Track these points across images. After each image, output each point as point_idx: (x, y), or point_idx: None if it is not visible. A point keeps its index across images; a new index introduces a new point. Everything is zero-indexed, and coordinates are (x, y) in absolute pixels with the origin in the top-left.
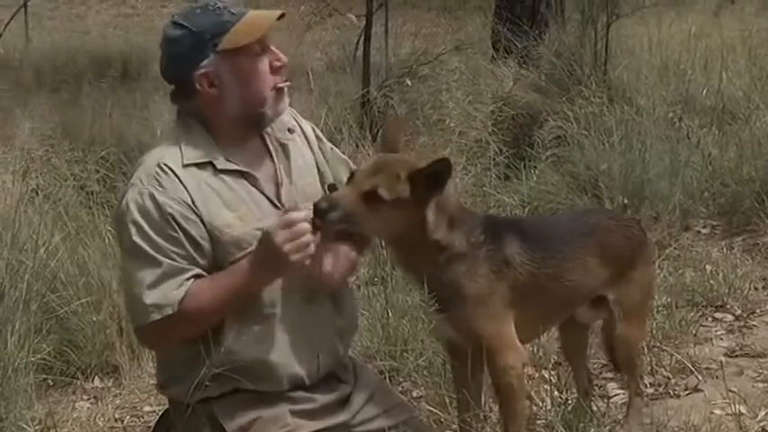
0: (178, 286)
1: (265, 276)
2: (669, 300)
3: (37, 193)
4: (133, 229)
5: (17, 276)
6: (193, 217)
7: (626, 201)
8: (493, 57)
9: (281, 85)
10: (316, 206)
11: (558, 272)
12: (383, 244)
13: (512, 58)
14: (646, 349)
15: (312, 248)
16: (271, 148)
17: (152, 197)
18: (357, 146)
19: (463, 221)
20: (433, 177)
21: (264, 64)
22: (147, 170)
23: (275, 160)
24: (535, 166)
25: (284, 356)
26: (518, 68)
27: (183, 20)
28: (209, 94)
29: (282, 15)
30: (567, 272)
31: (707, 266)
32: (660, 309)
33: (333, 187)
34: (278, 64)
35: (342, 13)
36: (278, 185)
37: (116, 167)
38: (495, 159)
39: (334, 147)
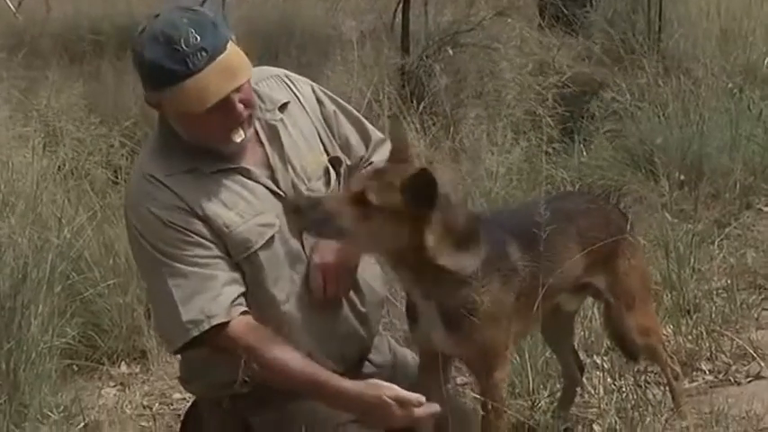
0: (213, 298)
1: (358, 415)
2: (729, 282)
3: (60, 169)
4: (147, 248)
5: (40, 256)
6: (196, 219)
7: (682, 177)
8: (539, 24)
9: (237, 139)
10: (293, 203)
11: (550, 266)
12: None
13: (559, 26)
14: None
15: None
16: (260, 132)
17: (150, 212)
18: (398, 117)
19: (472, 239)
20: (422, 189)
21: (211, 120)
22: (136, 186)
23: (265, 145)
24: (585, 140)
25: (305, 349)
26: (566, 37)
27: (141, 39)
28: (158, 111)
29: (246, 82)
30: (557, 264)
31: None
32: (720, 291)
33: (336, 161)
34: (232, 121)
35: None
36: (273, 171)
37: (143, 142)
38: (544, 132)
39: (341, 105)
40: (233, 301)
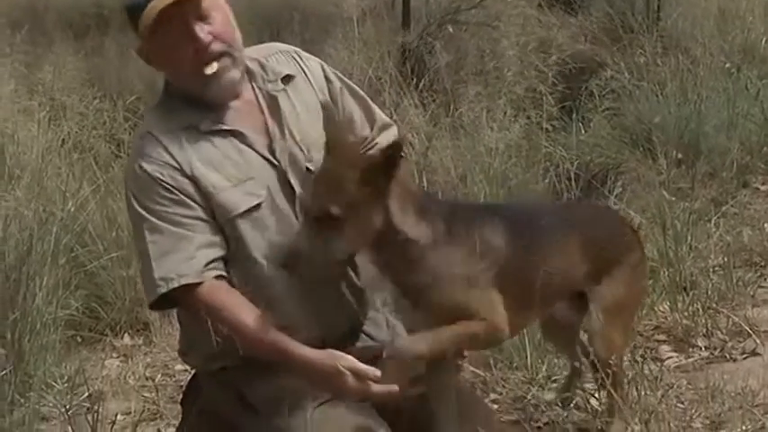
0: (187, 258)
1: (315, 383)
2: (726, 259)
3: (64, 142)
4: (134, 203)
5: (45, 228)
6: (184, 178)
7: (680, 155)
8: (539, 3)
9: (208, 71)
10: (281, 265)
11: (538, 260)
12: None
13: (559, 5)
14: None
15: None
16: (261, 101)
17: (141, 168)
18: (399, 96)
19: (430, 209)
20: (386, 163)
21: (180, 50)
22: (134, 143)
23: (265, 114)
24: (584, 118)
25: (289, 315)
26: (565, 16)
27: None
28: (144, 59)
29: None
30: (547, 261)
31: (765, 225)
32: (716, 269)
33: None
34: (199, 52)
35: None
36: (270, 139)
37: None
38: (544, 110)
39: (348, 84)
40: (207, 264)
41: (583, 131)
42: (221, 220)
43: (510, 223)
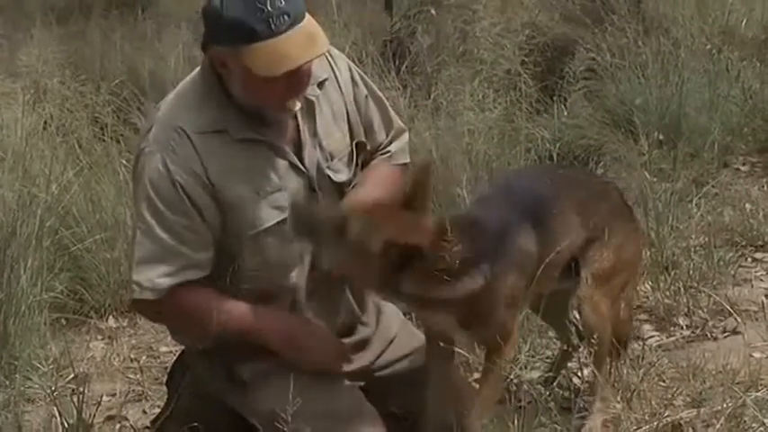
0: (166, 274)
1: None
2: (707, 239)
3: (47, 125)
4: (143, 199)
5: (29, 211)
6: (204, 190)
7: (661, 137)
8: None
9: (295, 108)
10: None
11: (554, 241)
12: None
13: None
14: (674, 295)
15: None
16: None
17: (164, 164)
18: (380, 78)
19: (469, 255)
20: (417, 185)
21: (278, 85)
22: (162, 133)
23: (299, 120)
24: (565, 99)
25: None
26: None
27: None
28: (219, 68)
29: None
30: (559, 239)
31: (746, 205)
32: (698, 249)
33: (362, 145)
34: (295, 91)
35: None
36: (301, 147)
37: (130, 100)
38: (524, 92)
39: (371, 87)
40: (182, 284)
41: (564, 113)
42: (245, 233)
43: (534, 212)
